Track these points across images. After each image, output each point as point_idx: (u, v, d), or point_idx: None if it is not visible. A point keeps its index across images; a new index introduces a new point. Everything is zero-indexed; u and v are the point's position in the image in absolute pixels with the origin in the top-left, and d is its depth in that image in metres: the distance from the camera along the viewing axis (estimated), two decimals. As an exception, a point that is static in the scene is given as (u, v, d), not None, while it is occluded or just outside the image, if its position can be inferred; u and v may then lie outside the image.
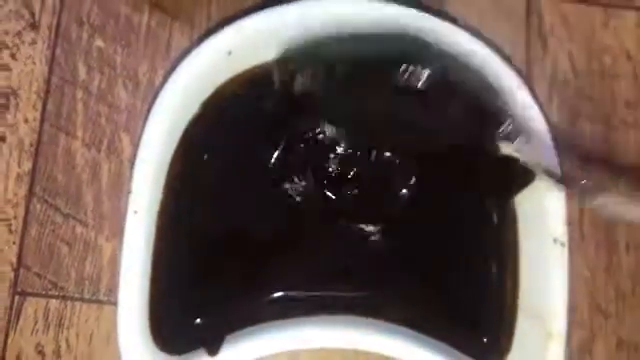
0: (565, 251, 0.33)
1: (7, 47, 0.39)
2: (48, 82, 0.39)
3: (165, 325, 0.33)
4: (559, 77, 0.40)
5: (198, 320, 0.34)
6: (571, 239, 0.37)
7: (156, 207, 0.33)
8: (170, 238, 0.34)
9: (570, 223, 0.37)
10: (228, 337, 0.33)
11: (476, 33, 0.37)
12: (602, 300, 0.38)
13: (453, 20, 0.38)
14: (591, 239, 0.38)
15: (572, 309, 0.37)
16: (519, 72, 0.38)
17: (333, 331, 0.32)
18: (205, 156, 0.35)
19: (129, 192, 0.33)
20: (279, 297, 0.35)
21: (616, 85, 0.40)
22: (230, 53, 0.34)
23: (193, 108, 0.35)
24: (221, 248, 0.35)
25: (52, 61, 0.39)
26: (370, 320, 0.34)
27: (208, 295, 0.35)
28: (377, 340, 0.32)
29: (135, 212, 0.32)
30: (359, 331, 0.33)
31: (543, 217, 0.34)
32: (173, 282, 0.34)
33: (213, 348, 0.32)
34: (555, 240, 0.33)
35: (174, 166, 0.34)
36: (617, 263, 0.38)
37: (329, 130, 0.34)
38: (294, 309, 0.34)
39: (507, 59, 0.37)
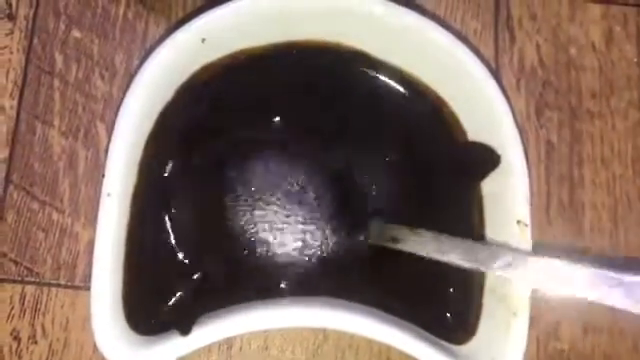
0: (528, 231, 0.34)
1: (-16, 38, 0.40)
2: (25, 71, 0.40)
3: (139, 307, 0.33)
4: (526, 68, 0.41)
5: (171, 302, 0.35)
6: (538, 224, 0.39)
7: (130, 190, 0.34)
8: (144, 221, 0.34)
9: (537, 208, 0.39)
10: (200, 317, 0.33)
11: (444, 24, 0.38)
12: (568, 284, 0.39)
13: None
14: (558, 224, 0.39)
15: (540, 294, 0.39)
16: (487, 63, 0.39)
17: (304, 311, 0.33)
18: (179, 141, 0.36)
19: (103, 175, 0.33)
20: (250, 280, 0.35)
21: (582, 76, 0.41)
22: (204, 40, 0.34)
23: (167, 94, 0.35)
24: (196, 231, 0.36)
25: (29, 51, 0.40)
26: (340, 301, 0.34)
27: (181, 277, 0.35)
28: (346, 319, 0.33)
29: (109, 195, 0.33)
30: (329, 311, 0.33)
31: (507, 199, 0.34)
32: (147, 264, 0.34)
33: (185, 328, 0.32)
34: (518, 222, 0.34)
35: (148, 150, 0.34)
36: (582, 248, 0.39)
37: None
38: (265, 292, 0.34)
39: (475, 50, 0.38)
